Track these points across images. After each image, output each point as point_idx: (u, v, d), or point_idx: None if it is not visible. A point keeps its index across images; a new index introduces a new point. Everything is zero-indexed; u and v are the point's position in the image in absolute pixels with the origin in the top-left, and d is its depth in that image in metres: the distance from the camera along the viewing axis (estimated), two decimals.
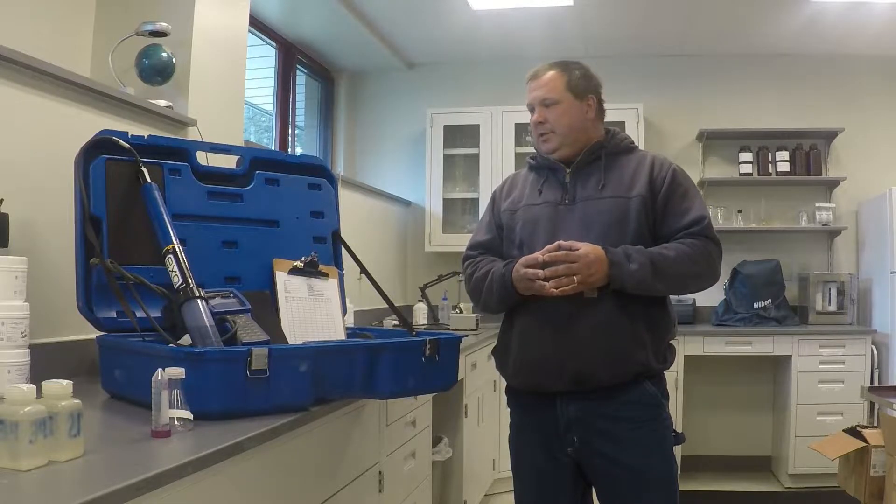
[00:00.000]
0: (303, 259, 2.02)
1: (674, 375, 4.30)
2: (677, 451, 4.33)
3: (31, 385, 1.08)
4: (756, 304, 4.60)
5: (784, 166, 4.80)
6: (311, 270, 2.03)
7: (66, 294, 1.77)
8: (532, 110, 2.01)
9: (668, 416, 1.93)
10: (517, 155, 4.83)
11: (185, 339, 1.61)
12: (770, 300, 4.60)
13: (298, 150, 4.90)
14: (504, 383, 2.07)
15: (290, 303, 1.97)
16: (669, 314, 1.94)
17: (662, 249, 1.85)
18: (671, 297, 1.98)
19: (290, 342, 1.85)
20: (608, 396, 1.85)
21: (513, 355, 1.96)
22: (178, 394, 1.28)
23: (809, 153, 4.81)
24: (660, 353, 1.89)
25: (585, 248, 1.80)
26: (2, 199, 1.67)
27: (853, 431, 3.05)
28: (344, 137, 5.32)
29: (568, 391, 1.87)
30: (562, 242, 1.82)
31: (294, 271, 2.01)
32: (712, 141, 4.98)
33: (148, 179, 1.80)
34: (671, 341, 1.95)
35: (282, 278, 1.98)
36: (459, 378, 2.15)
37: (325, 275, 2.07)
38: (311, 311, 2.00)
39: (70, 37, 2.59)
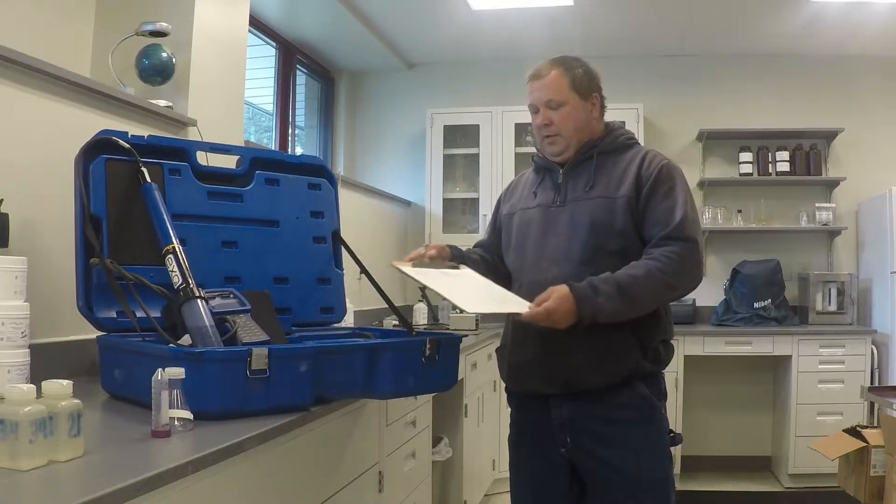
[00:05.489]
0: None
1: (674, 375, 4.30)
2: (676, 451, 4.30)
3: (31, 385, 1.07)
4: (756, 304, 4.60)
5: (784, 166, 4.80)
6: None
7: (66, 294, 1.77)
8: (535, 111, 1.95)
9: (663, 416, 1.91)
10: (517, 155, 4.83)
11: (185, 339, 1.61)
12: (770, 300, 4.60)
13: (298, 150, 4.90)
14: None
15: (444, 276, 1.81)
16: (658, 314, 1.88)
17: (631, 270, 1.76)
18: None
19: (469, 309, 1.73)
20: (600, 398, 1.84)
21: (507, 358, 1.98)
22: (178, 394, 1.28)
23: (809, 153, 4.81)
24: (650, 353, 1.86)
25: (551, 305, 1.70)
26: (2, 200, 1.67)
27: (853, 431, 3.05)
28: (344, 137, 5.32)
29: (560, 394, 1.87)
30: (526, 313, 1.73)
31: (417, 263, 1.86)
32: (712, 141, 4.98)
33: (148, 179, 1.80)
34: (665, 340, 1.90)
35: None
36: (459, 378, 2.15)
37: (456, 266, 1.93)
38: (469, 279, 1.86)
39: (70, 37, 2.59)
